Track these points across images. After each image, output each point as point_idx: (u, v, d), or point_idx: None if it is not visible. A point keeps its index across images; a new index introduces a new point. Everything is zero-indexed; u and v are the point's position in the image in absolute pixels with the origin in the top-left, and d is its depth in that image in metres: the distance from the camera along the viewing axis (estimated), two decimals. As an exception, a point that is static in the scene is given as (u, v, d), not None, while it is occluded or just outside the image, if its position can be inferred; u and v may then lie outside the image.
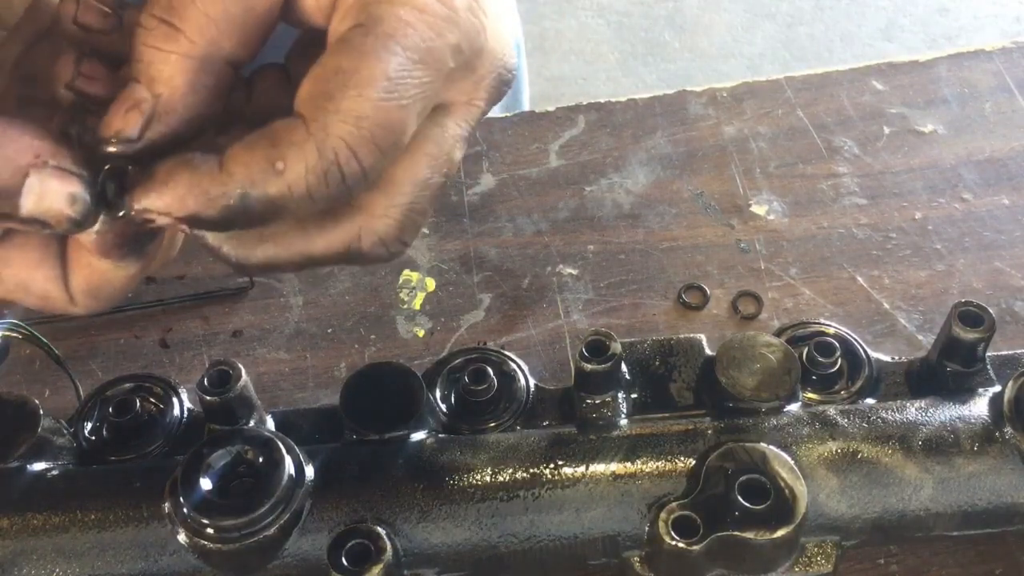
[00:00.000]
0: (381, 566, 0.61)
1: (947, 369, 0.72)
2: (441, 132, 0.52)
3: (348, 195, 0.47)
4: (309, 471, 0.66)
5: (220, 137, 0.48)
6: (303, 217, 0.47)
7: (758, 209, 0.96)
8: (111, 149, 0.45)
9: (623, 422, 0.70)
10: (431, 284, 0.93)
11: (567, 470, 0.66)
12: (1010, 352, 0.76)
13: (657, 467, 0.66)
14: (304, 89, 0.46)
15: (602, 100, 1.07)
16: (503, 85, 0.54)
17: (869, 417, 0.68)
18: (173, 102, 0.46)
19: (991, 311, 0.70)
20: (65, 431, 0.72)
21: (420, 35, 0.47)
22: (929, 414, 0.68)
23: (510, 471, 0.67)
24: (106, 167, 0.45)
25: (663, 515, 0.63)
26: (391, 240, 0.52)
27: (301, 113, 0.46)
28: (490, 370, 0.74)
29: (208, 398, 0.68)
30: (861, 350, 0.76)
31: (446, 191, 1.00)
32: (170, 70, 0.46)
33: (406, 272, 0.94)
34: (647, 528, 0.65)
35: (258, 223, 0.46)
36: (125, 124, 0.45)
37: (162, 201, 0.44)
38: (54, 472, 0.70)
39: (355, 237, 0.51)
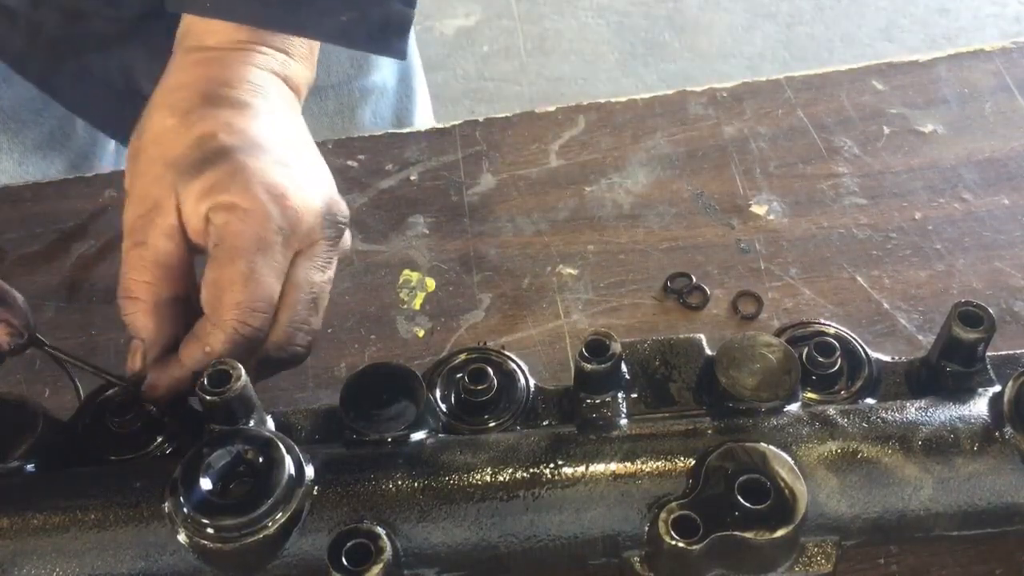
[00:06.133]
0: (381, 566, 0.61)
1: (947, 369, 0.72)
2: (298, 272, 0.74)
3: (255, 343, 0.72)
4: (309, 471, 0.66)
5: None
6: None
7: (758, 209, 0.96)
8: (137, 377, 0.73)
9: (623, 422, 0.70)
10: (431, 284, 0.93)
11: (567, 470, 0.66)
12: (1010, 352, 0.76)
13: (657, 467, 0.66)
14: (203, 296, 0.72)
15: (602, 100, 1.07)
16: (332, 223, 0.76)
17: (869, 417, 0.68)
18: (152, 338, 0.73)
19: (991, 311, 0.70)
20: (65, 431, 0.72)
21: (250, 235, 0.71)
22: (929, 414, 0.68)
23: (510, 471, 0.67)
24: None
25: (663, 515, 0.63)
26: (288, 346, 0.75)
27: (206, 312, 0.72)
28: (490, 370, 0.74)
29: (208, 398, 0.68)
30: (861, 350, 0.76)
31: (446, 191, 1.00)
32: (142, 321, 0.72)
33: (406, 272, 0.94)
34: (647, 528, 0.65)
35: None
36: (134, 363, 0.73)
37: (157, 390, 0.73)
38: (54, 472, 0.70)
39: (264, 350, 0.74)
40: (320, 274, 0.76)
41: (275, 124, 0.77)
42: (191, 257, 0.75)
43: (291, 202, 0.73)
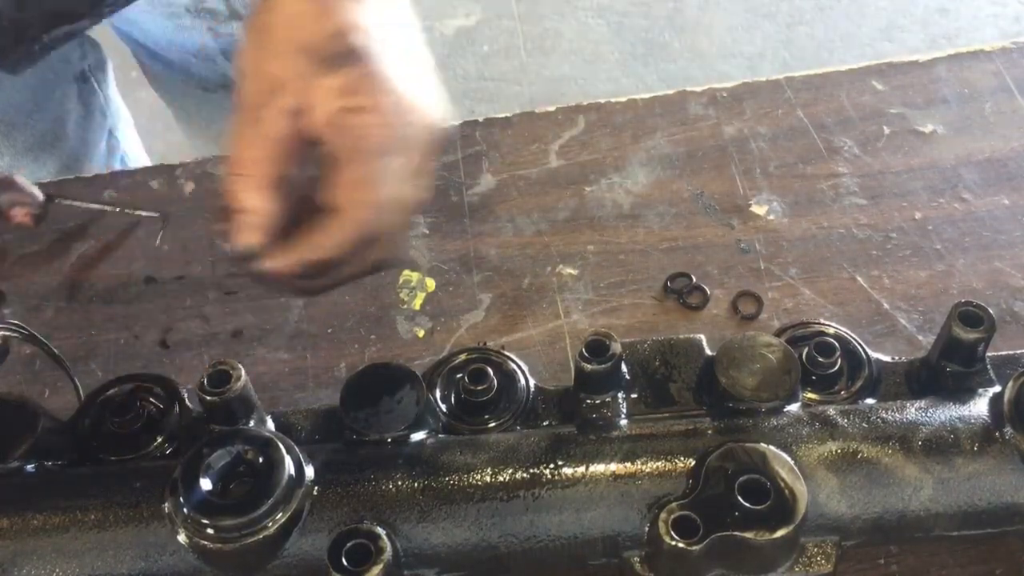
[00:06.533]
0: (381, 566, 0.61)
1: (947, 369, 0.72)
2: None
3: (374, 243, 0.74)
4: (309, 471, 0.66)
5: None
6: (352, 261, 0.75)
7: (758, 209, 0.96)
8: (243, 254, 0.74)
9: (623, 422, 0.70)
10: (431, 284, 0.93)
11: (567, 470, 0.66)
12: (1010, 352, 0.76)
13: (657, 467, 0.66)
14: (334, 194, 0.72)
15: (602, 100, 1.07)
16: (438, 147, 0.78)
17: (869, 417, 0.68)
18: (268, 212, 0.73)
19: (991, 311, 0.70)
20: (65, 431, 0.72)
21: (384, 138, 0.72)
22: (929, 414, 0.68)
23: (510, 471, 0.67)
24: None
25: (663, 515, 0.63)
26: (391, 257, 0.78)
27: (335, 208, 0.72)
28: (490, 370, 0.74)
29: (208, 398, 0.68)
30: (861, 350, 0.76)
31: (446, 191, 1.00)
32: (254, 197, 0.73)
33: (406, 272, 0.94)
34: (647, 528, 0.65)
35: (324, 272, 0.74)
36: (249, 237, 0.73)
37: (276, 267, 0.74)
38: (54, 472, 0.70)
39: (375, 261, 0.76)
40: (422, 193, 0.79)
41: (404, 28, 0.79)
42: (301, 145, 0.75)
43: (419, 114, 0.75)
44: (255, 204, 0.74)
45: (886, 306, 0.89)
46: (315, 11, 0.75)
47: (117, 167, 1.30)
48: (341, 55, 0.73)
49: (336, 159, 0.73)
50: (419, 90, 0.77)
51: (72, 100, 1.20)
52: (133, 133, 1.38)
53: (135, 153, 1.36)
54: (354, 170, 0.73)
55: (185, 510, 0.63)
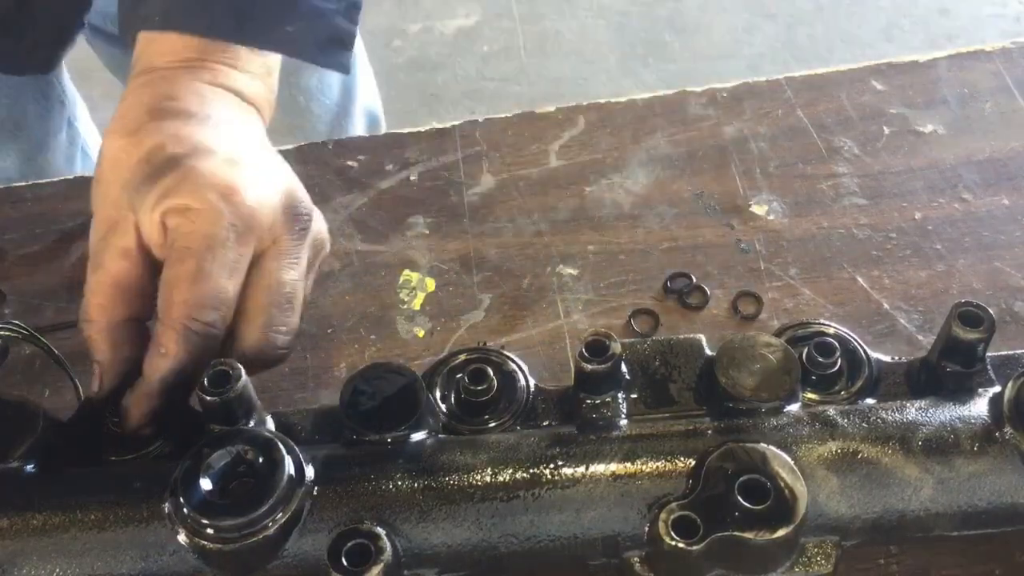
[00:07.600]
0: (381, 566, 0.61)
1: (947, 369, 0.72)
2: (264, 270, 0.74)
3: (211, 340, 0.71)
4: (309, 471, 0.66)
5: None
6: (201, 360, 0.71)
7: (758, 209, 0.96)
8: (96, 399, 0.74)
9: (623, 422, 0.70)
10: (431, 284, 0.93)
11: (567, 470, 0.66)
12: (1010, 352, 0.76)
13: (657, 467, 0.66)
14: (159, 301, 0.72)
15: (602, 100, 1.07)
16: (293, 217, 0.75)
17: (869, 417, 0.68)
18: (107, 359, 0.73)
19: (991, 311, 0.70)
20: (65, 431, 0.72)
21: (200, 233, 0.70)
22: (929, 414, 0.68)
23: (510, 471, 0.67)
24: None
25: (663, 515, 0.63)
26: (267, 348, 0.74)
27: (160, 318, 0.71)
28: (490, 370, 0.74)
29: (208, 398, 0.68)
30: (861, 350, 0.76)
31: (446, 191, 1.00)
32: (96, 342, 0.73)
33: (406, 272, 0.94)
34: (647, 528, 0.65)
35: (174, 381, 0.71)
36: (93, 386, 0.73)
37: (132, 416, 0.72)
38: (54, 472, 0.70)
39: (241, 353, 0.73)
40: (290, 272, 0.75)
41: (223, 129, 0.77)
42: (152, 277, 0.74)
43: (242, 198, 0.72)
44: (97, 350, 0.73)
45: (886, 306, 0.89)
46: (128, 144, 0.74)
47: (78, 157, 1.30)
48: (155, 171, 0.72)
49: (164, 265, 0.72)
50: (251, 175, 0.74)
51: (30, 90, 1.20)
52: (91, 124, 1.38)
53: (94, 143, 1.36)
54: (169, 270, 0.71)
55: (185, 510, 0.63)
